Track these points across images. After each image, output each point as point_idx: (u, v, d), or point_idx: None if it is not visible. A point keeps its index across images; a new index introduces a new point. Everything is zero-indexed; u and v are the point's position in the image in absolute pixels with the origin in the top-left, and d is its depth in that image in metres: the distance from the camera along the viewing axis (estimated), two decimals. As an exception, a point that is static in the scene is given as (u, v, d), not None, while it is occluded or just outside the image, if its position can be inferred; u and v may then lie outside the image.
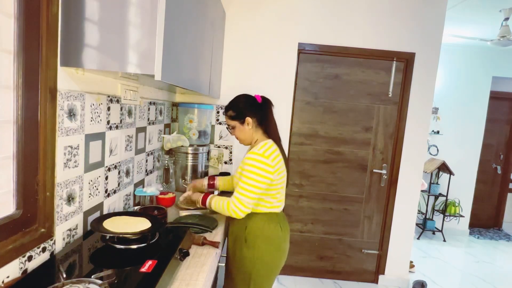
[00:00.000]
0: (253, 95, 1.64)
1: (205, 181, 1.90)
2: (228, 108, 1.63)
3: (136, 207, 1.72)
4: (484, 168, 4.73)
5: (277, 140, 1.63)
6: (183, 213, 1.80)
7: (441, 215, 4.45)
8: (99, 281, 0.88)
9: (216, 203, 1.57)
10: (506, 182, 4.96)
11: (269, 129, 1.62)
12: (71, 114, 1.17)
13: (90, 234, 1.30)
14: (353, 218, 3.00)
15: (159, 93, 2.17)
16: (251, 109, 1.60)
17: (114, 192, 1.58)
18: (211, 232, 1.58)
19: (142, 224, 1.24)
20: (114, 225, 1.20)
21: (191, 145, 2.34)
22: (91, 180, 1.36)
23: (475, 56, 4.39)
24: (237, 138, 1.66)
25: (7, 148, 0.96)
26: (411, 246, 3.00)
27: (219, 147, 2.73)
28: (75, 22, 1.05)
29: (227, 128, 1.70)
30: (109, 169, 1.51)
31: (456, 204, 4.50)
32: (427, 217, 4.53)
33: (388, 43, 2.75)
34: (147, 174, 2.02)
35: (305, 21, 2.72)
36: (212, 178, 1.93)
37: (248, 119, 1.59)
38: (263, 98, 1.63)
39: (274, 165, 1.51)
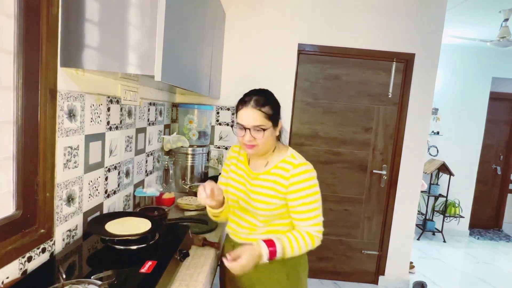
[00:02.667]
0: None
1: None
2: (263, 102, 1.20)
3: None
4: (484, 169, 4.73)
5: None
6: (185, 213, 1.80)
7: (441, 216, 4.45)
8: (99, 282, 0.88)
9: (294, 246, 1.18)
10: (506, 182, 4.96)
11: (283, 136, 1.35)
12: (71, 114, 1.17)
13: (89, 234, 1.30)
14: (353, 218, 3.00)
15: (159, 93, 2.17)
16: (280, 110, 1.29)
17: (114, 192, 1.58)
18: (211, 231, 1.58)
19: (142, 224, 1.24)
20: (114, 226, 1.20)
21: (191, 146, 2.34)
22: (91, 181, 1.35)
23: (475, 57, 4.39)
24: (254, 146, 1.22)
25: (7, 148, 0.96)
26: (411, 246, 3.00)
27: (219, 147, 2.73)
28: (75, 22, 1.05)
29: (251, 128, 1.20)
30: (109, 170, 1.50)
31: (456, 205, 4.50)
32: (427, 217, 4.53)
33: (388, 44, 2.76)
34: (147, 175, 2.02)
35: (305, 22, 2.72)
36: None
37: (281, 123, 1.29)
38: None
39: None
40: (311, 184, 1.21)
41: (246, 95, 1.24)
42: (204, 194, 1.19)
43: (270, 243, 1.15)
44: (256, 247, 1.14)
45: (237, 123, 1.24)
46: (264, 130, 1.20)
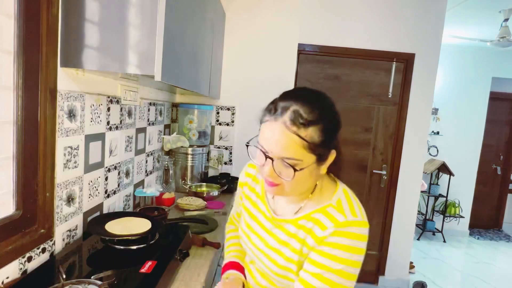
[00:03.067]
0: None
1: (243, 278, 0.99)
2: (307, 118, 0.70)
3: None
4: (484, 169, 4.73)
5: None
6: (185, 213, 1.80)
7: (441, 216, 4.45)
8: (99, 282, 0.88)
9: None
10: (506, 182, 4.96)
11: (337, 167, 0.85)
12: (71, 114, 1.17)
13: (89, 234, 1.30)
14: (353, 218, 3.00)
15: (159, 93, 2.17)
16: (338, 132, 0.79)
17: (114, 192, 1.58)
18: (211, 231, 1.57)
19: (142, 224, 1.24)
20: (114, 227, 1.20)
21: (191, 146, 2.34)
22: (91, 181, 1.35)
23: (475, 57, 4.39)
24: (278, 184, 0.77)
25: (7, 148, 0.96)
26: (411, 247, 3.00)
27: (219, 147, 2.72)
28: (75, 22, 1.05)
29: (275, 162, 0.73)
30: (109, 170, 1.50)
31: (456, 205, 4.50)
32: (427, 218, 4.53)
33: (388, 44, 2.76)
34: (147, 175, 2.02)
35: (305, 22, 2.72)
36: (238, 266, 1.02)
37: (333, 155, 0.78)
38: None
39: None
40: (348, 258, 0.73)
41: (284, 97, 0.75)
42: None
43: None
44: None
45: (258, 142, 0.76)
46: (297, 169, 0.72)
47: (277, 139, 0.71)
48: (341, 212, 0.76)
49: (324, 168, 0.77)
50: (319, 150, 0.72)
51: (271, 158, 0.73)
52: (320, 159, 0.74)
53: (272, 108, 0.74)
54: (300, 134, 0.69)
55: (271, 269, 0.85)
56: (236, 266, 1.00)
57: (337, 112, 0.78)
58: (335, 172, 0.86)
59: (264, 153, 0.73)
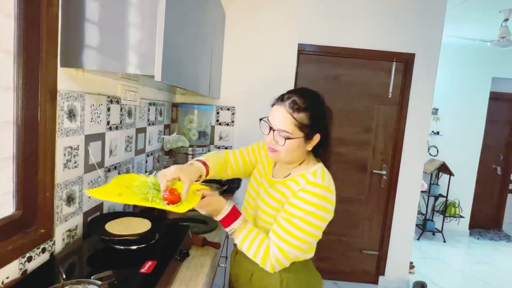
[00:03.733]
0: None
1: (202, 170, 1.20)
2: (299, 107, 1.03)
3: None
4: (484, 169, 4.74)
5: (328, 168, 1.14)
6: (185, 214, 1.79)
7: (441, 216, 4.45)
8: (99, 282, 0.88)
9: (247, 240, 1.07)
10: (506, 182, 4.97)
11: (324, 153, 1.14)
12: (71, 114, 1.17)
13: (89, 234, 1.30)
14: (353, 219, 3.00)
15: (159, 93, 2.17)
16: (324, 122, 1.09)
17: (114, 192, 1.58)
18: (211, 231, 1.57)
19: (142, 224, 1.24)
20: (114, 227, 1.20)
21: (191, 146, 2.34)
22: (91, 181, 1.35)
23: (475, 57, 4.39)
24: (274, 150, 1.08)
25: (7, 148, 0.96)
26: (411, 247, 3.00)
27: (219, 147, 2.72)
28: (75, 22, 1.05)
29: (275, 129, 1.06)
30: (109, 170, 1.50)
31: (456, 205, 4.50)
32: (427, 218, 4.53)
33: (388, 44, 2.76)
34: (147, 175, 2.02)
35: (305, 22, 2.72)
36: (204, 163, 1.22)
37: (317, 138, 1.07)
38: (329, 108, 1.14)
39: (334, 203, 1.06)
40: (313, 211, 0.99)
41: (288, 91, 1.08)
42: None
43: (234, 215, 1.08)
44: (221, 203, 1.09)
45: (267, 119, 1.08)
46: (287, 138, 1.03)
47: (279, 117, 1.04)
48: (313, 176, 1.05)
49: (309, 146, 1.08)
50: (306, 130, 1.04)
51: (273, 130, 1.06)
52: (307, 137, 1.05)
53: (280, 97, 1.08)
54: (293, 115, 1.02)
55: (261, 218, 1.13)
56: (203, 163, 1.21)
57: (324, 107, 1.09)
58: (322, 156, 1.14)
59: (270, 126, 1.07)
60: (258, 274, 1.14)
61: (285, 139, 1.03)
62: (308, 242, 1.03)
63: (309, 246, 1.07)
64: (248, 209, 1.24)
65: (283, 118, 1.03)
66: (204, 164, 1.21)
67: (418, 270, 3.41)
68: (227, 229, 1.09)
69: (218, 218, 1.09)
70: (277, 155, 1.09)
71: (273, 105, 1.09)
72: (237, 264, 1.27)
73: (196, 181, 1.15)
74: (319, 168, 1.09)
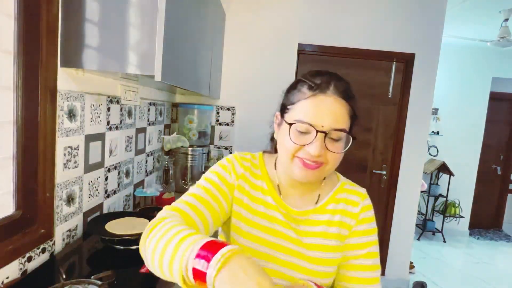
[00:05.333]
0: None
1: None
2: (350, 92, 0.76)
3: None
4: (484, 169, 4.73)
5: None
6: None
7: (441, 216, 4.45)
8: (99, 282, 0.88)
9: None
10: (506, 182, 4.96)
11: None
12: (71, 114, 1.17)
13: (89, 234, 1.30)
14: (353, 218, 3.00)
15: (159, 93, 2.17)
16: None
17: (114, 192, 1.58)
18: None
19: (142, 225, 1.24)
20: (114, 227, 1.20)
21: (191, 146, 2.34)
22: (91, 181, 1.35)
23: (475, 57, 4.39)
24: (323, 164, 0.72)
25: (7, 148, 0.96)
26: (411, 247, 3.00)
27: (219, 147, 2.72)
28: (75, 22, 1.05)
29: (327, 136, 0.70)
30: (109, 170, 1.50)
31: (456, 205, 4.50)
32: (427, 218, 4.53)
33: (388, 44, 2.75)
34: (147, 175, 2.02)
35: (305, 22, 2.72)
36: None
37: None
38: None
39: None
40: (375, 227, 0.83)
41: (313, 75, 0.75)
42: None
43: None
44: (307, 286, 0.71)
45: (298, 120, 0.71)
46: (354, 138, 0.73)
47: (331, 110, 0.70)
48: (356, 187, 0.85)
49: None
50: (356, 123, 0.74)
51: (324, 132, 0.69)
52: (353, 136, 0.73)
53: (312, 84, 0.72)
54: (350, 103, 0.73)
55: (308, 269, 0.75)
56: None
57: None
58: None
59: (314, 128, 0.69)
60: None
61: (352, 138, 0.73)
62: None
63: None
64: (283, 256, 0.77)
65: (339, 111, 0.71)
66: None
67: (418, 270, 3.41)
68: None
69: None
70: (320, 172, 0.73)
71: (302, 98, 0.72)
72: None
73: None
74: (343, 178, 0.88)
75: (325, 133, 0.69)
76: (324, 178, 0.83)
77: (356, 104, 0.74)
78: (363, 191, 0.85)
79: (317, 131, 0.69)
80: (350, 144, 0.73)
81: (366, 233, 0.80)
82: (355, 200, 0.82)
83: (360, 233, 0.79)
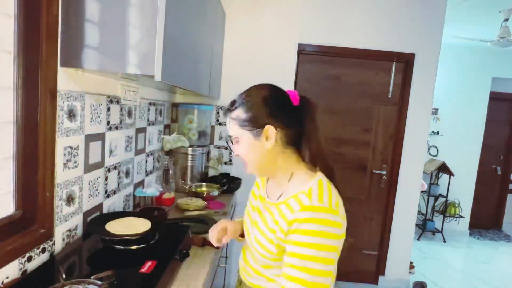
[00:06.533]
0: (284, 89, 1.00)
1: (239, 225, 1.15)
2: (235, 104, 0.94)
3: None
4: (484, 169, 4.73)
5: (331, 173, 0.94)
6: (185, 213, 1.80)
7: (441, 216, 4.45)
8: (99, 282, 0.88)
9: None
10: (506, 183, 4.96)
11: (312, 154, 0.92)
12: (71, 114, 1.17)
13: (89, 234, 1.30)
14: (353, 219, 2.98)
15: (159, 93, 2.17)
16: (277, 113, 0.91)
17: (114, 192, 1.58)
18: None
19: (142, 224, 1.24)
20: (114, 227, 1.20)
21: (191, 146, 2.34)
22: (91, 181, 1.35)
23: (475, 57, 4.39)
24: (242, 158, 0.96)
25: (7, 148, 0.96)
26: (411, 247, 3.00)
27: (219, 147, 2.72)
28: (75, 22, 1.05)
29: (227, 141, 0.99)
30: (109, 170, 1.50)
31: (456, 205, 4.50)
32: (427, 218, 4.53)
33: (388, 44, 2.75)
34: (147, 175, 2.02)
35: (305, 22, 2.72)
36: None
37: (269, 130, 0.89)
38: (303, 98, 0.96)
39: (344, 223, 0.86)
40: (317, 242, 0.78)
41: None
42: (215, 237, 1.06)
43: None
44: None
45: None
46: (237, 142, 0.93)
47: (227, 126, 0.96)
48: (309, 198, 0.84)
49: (268, 143, 0.89)
50: (248, 125, 0.90)
51: (228, 139, 0.98)
52: (255, 133, 0.90)
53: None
54: (232, 116, 0.93)
55: (255, 247, 0.94)
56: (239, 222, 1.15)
57: (264, 96, 0.93)
58: (315, 160, 0.93)
59: (228, 138, 0.98)
60: None
61: (235, 142, 0.94)
62: (327, 283, 0.80)
63: (331, 280, 0.82)
64: (247, 239, 1.03)
65: (228, 124, 0.95)
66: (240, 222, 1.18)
67: (418, 270, 3.41)
68: None
69: None
70: (249, 168, 0.96)
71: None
72: None
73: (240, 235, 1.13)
74: (315, 184, 0.87)
75: (227, 141, 0.98)
76: (291, 179, 0.93)
77: (243, 109, 0.91)
78: (306, 202, 0.83)
79: (227, 138, 0.98)
80: (251, 136, 0.91)
81: (299, 244, 0.80)
82: (293, 207, 0.85)
83: (292, 242, 0.82)
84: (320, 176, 0.91)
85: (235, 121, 0.92)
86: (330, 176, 0.93)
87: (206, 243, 1.42)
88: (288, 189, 0.92)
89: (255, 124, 0.89)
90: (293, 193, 0.89)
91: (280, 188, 0.95)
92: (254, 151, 0.91)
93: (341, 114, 2.88)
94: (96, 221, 1.27)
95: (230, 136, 0.96)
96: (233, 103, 0.95)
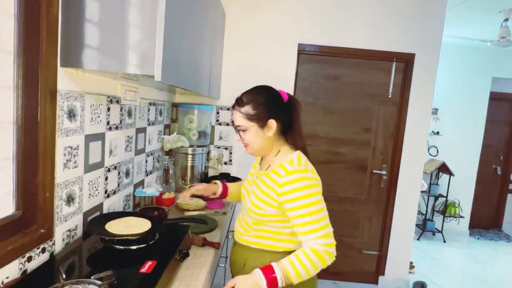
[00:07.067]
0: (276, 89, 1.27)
1: (219, 189, 1.46)
2: (243, 102, 1.19)
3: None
4: (484, 169, 4.73)
5: (306, 153, 1.25)
6: (185, 213, 1.80)
7: (441, 216, 4.45)
8: (99, 282, 0.88)
9: (298, 269, 1.07)
10: (506, 183, 4.96)
11: (295, 138, 1.25)
12: (71, 114, 1.17)
13: (89, 234, 1.30)
14: (353, 219, 3.00)
15: (159, 93, 2.17)
16: (275, 110, 1.20)
17: (114, 192, 1.58)
18: (211, 231, 1.57)
19: (142, 224, 1.24)
20: (114, 226, 1.20)
21: (191, 146, 2.34)
22: (91, 181, 1.35)
23: (475, 57, 4.39)
24: (246, 145, 1.23)
25: (7, 148, 0.96)
26: (411, 247, 3.00)
27: (219, 147, 2.73)
28: (75, 22, 1.05)
29: (235, 128, 1.24)
30: (109, 170, 1.50)
31: (456, 205, 4.50)
32: (427, 218, 4.53)
33: (388, 44, 2.75)
34: (147, 175, 2.02)
35: (305, 22, 2.72)
36: (225, 185, 1.49)
37: (272, 123, 1.18)
38: (290, 96, 1.24)
39: (319, 180, 1.18)
40: (307, 193, 1.09)
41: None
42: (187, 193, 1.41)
43: (268, 270, 1.05)
44: (251, 276, 1.06)
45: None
46: (245, 130, 1.20)
47: (234, 117, 1.23)
48: (290, 164, 1.15)
49: (270, 132, 1.19)
50: (255, 119, 1.18)
51: (236, 129, 1.23)
52: (260, 125, 1.18)
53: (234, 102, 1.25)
54: (241, 111, 1.20)
55: (249, 208, 1.22)
56: (224, 184, 1.49)
57: (268, 96, 1.21)
58: (295, 142, 1.25)
59: (235, 128, 1.24)
60: (251, 262, 1.23)
61: (243, 131, 1.20)
62: (326, 215, 1.13)
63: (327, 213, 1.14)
64: (243, 202, 1.34)
65: (235, 116, 1.22)
66: (224, 185, 1.48)
67: (418, 270, 3.41)
68: (280, 280, 1.05)
69: (263, 285, 1.04)
70: (249, 149, 1.24)
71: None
72: (234, 252, 1.35)
73: (212, 197, 1.46)
74: (295, 156, 1.19)
75: (235, 129, 1.24)
76: (277, 154, 1.24)
77: (252, 107, 1.18)
78: (291, 168, 1.14)
79: (235, 128, 1.25)
80: (262, 128, 1.19)
81: (291, 201, 1.10)
82: (280, 173, 1.15)
83: (287, 202, 1.11)
84: (299, 152, 1.22)
85: (245, 115, 1.18)
86: (306, 154, 1.24)
87: (206, 243, 1.42)
88: (275, 161, 1.22)
89: (261, 118, 1.18)
90: (279, 163, 1.19)
91: (269, 161, 1.26)
92: (259, 138, 1.20)
93: (341, 114, 2.88)
94: (96, 221, 1.27)
95: (238, 126, 1.21)
96: (241, 100, 1.20)
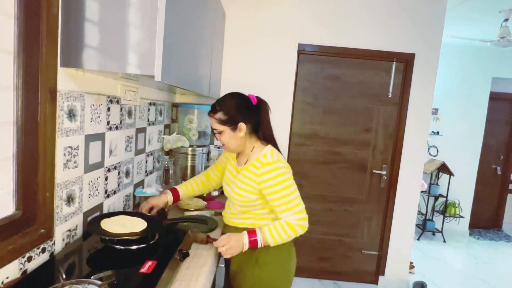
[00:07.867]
0: (246, 94, 1.43)
1: (169, 197, 1.56)
2: (216, 109, 1.37)
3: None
4: (484, 169, 4.73)
5: (276, 146, 1.46)
6: (185, 213, 1.79)
7: (441, 216, 4.45)
8: (99, 282, 0.88)
9: (274, 235, 1.32)
10: (506, 183, 4.96)
11: (266, 135, 1.43)
12: (71, 114, 1.17)
13: (89, 234, 1.30)
14: (353, 219, 3.00)
15: (159, 93, 2.17)
16: (245, 113, 1.37)
17: (114, 192, 1.58)
18: (211, 231, 1.57)
19: (142, 224, 1.24)
20: (113, 226, 1.20)
21: (191, 146, 2.34)
22: (91, 181, 1.35)
23: (475, 57, 4.39)
24: (223, 144, 1.42)
25: (7, 148, 0.96)
26: (411, 247, 3.00)
27: (219, 147, 2.72)
28: (75, 22, 1.05)
29: (212, 132, 1.44)
30: (109, 170, 1.50)
31: (456, 205, 4.50)
32: (427, 218, 4.53)
33: (388, 44, 2.76)
34: (147, 175, 2.02)
35: (305, 22, 2.72)
36: (175, 190, 1.60)
37: (242, 125, 1.36)
38: (259, 99, 1.42)
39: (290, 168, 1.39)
40: (281, 179, 1.32)
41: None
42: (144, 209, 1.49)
43: (251, 233, 1.33)
44: (240, 236, 1.33)
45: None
46: (220, 133, 1.39)
47: (211, 122, 1.40)
48: (264, 157, 1.36)
49: (242, 133, 1.38)
50: (227, 123, 1.36)
51: (212, 131, 1.44)
52: (232, 128, 1.37)
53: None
54: (215, 117, 1.38)
55: (234, 198, 1.41)
56: (173, 190, 1.60)
57: (236, 103, 1.38)
58: (267, 139, 1.44)
59: (211, 130, 1.51)
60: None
61: (219, 133, 1.39)
62: (298, 195, 1.35)
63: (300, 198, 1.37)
64: (227, 194, 1.52)
65: (212, 121, 1.39)
66: (174, 190, 1.60)
67: (418, 270, 3.41)
68: (259, 242, 1.33)
69: (246, 248, 1.33)
70: (226, 148, 1.44)
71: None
72: (225, 232, 1.50)
73: (165, 208, 1.57)
74: (268, 150, 1.39)
75: (212, 131, 1.46)
76: (252, 150, 1.43)
77: (223, 113, 1.36)
78: (265, 160, 1.35)
79: (213, 131, 1.44)
80: (234, 131, 1.38)
81: (269, 187, 1.32)
82: (257, 165, 1.36)
83: (266, 188, 1.33)
84: (270, 146, 1.42)
85: (218, 120, 1.37)
86: (276, 147, 1.44)
87: (210, 240, 1.42)
88: (251, 156, 1.42)
89: (232, 122, 1.37)
90: (255, 157, 1.39)
91: (246, 157, 1.45)
92: (232, 139, 1.39)
93: (341, 114, 2.88)
94: (96, 221, 1.27)
95: (214, 129, 1.40)
96: (214, 107, 1.39)
